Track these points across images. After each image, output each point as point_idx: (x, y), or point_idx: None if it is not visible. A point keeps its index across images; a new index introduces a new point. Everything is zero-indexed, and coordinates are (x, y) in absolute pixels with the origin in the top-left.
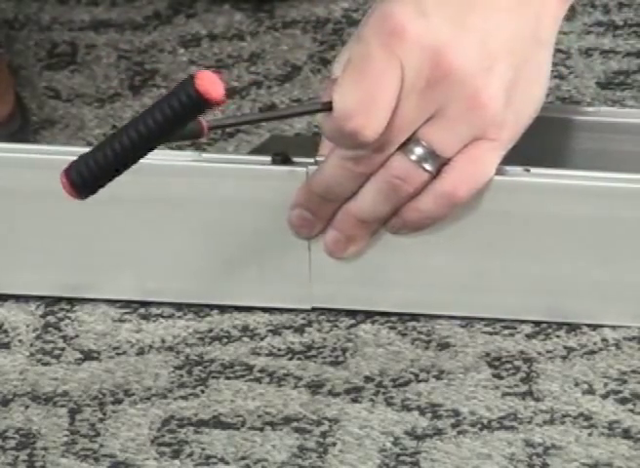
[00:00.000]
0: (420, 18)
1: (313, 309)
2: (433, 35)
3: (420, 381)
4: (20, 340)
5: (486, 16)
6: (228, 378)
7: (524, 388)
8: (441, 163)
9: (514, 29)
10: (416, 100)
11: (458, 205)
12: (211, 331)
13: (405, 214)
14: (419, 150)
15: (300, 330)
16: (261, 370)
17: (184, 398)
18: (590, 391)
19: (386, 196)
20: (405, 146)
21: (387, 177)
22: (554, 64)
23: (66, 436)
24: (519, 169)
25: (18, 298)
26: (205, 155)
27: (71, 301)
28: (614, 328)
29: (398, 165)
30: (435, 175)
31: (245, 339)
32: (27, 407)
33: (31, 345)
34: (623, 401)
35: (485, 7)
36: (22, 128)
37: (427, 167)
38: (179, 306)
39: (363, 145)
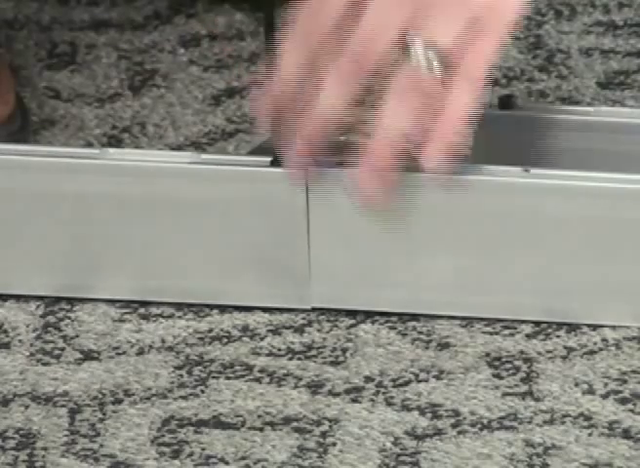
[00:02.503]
0: None
1: (313, 309)
2: None
3: (420, 381)
4: (20, 340)
5: None
6: (228, 378)
7: (524, 388)
8: (447, 58)
9: None
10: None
11: (481, 84)
12: (211, 331)
13: (441, 127)
14: (418, 49)
15: (299, 330)
16: (261, 370)
17: (184, 398)
18: (590, 391)
19: (406, 104)
20: (404, 54)
21: (399, 87)
22: (554, 64)
23: (66, 436)
24: (519, 169)
25: (18, 298)
26: (204, 156)
27: (71, 301)
28: (614, 328)
29: (404, 72)
30: (444, 71)
31: (245, 339)
32: (27, 407)
33: (31, 345)
34: (623, 401)
35: None
36: (22, 128)
37: (434, 68)
38: (179, 306)
39: (315, 45)
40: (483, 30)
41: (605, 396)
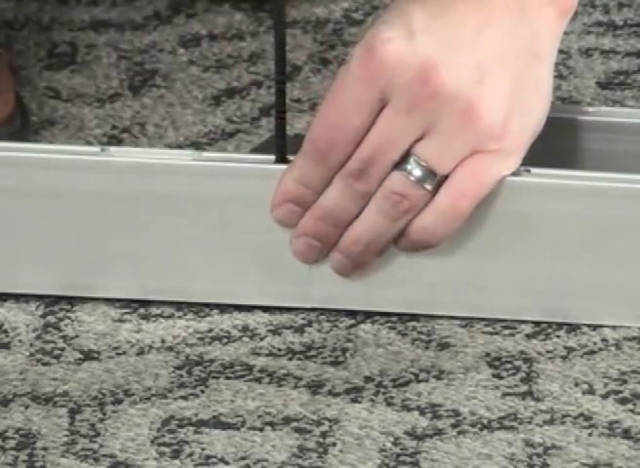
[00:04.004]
0: (405, 38)
1: (313, 309)
2: (419, 54)
3: (420, 381)
4: (20, 340)
5: (477, 32)
6: (228, 378)
7: (524, 388)
8: (439, 179)
9: (508, 44)
10: (405, 118)
11: (461, 219)
12: (211, 330)
13: (411, 233)
14: (415, 169)
15: (300, 330)
16: (261, 370)
17: (184, 398)
18: (590, 391)
19: (387, 214)
20: (402, 164)
21: (386, 194)
22: (554, 64)
23: (66, 436)
24: (520, 168)
25: (18, 298)
26: (205, 154)
27: (71, 301)
28: (614, 328)
29: (396, 181)
30: (434, 190)
31: (245, 339)
32: (27, 407)
33: (31, 345)
34: (623, 401)
35: (476, 24)
36: (22, 128)
37: (426, 185)
38: (179, 306)
39: (328, 166)
40: (486, 161)
41: (605, 396)
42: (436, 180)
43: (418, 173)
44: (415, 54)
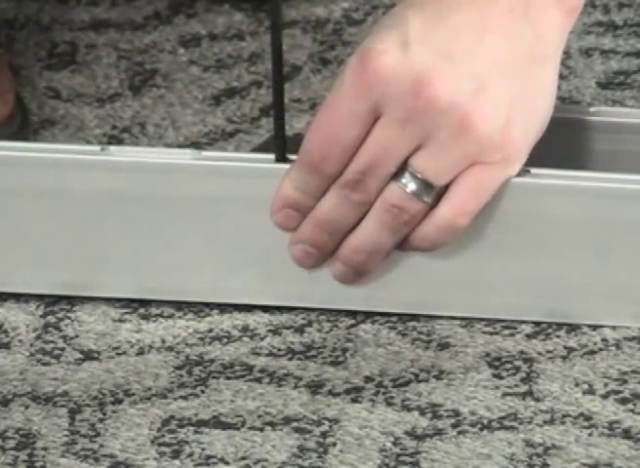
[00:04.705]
0: (399, 50)
1: (313, 309)
2: (413, 66)
3: (420, 381)
4: (20, 340)
5: (477, 39)
6: (228, 378)
7: (524, 388)
8: (437, 191)
9: (509, 49)
10: (398, 130)
11: (462, 230)
12: (211, 330)
13: (412, 241)
14: (412, 182)
15: (300, 330)
16: (261, 371)
17: (184, 398)
18: (590, 391)
19: (387, 225)
20: (398, 176)
21: (385, 207)
22: None
23: (66, 436)
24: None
25: (18, 298)
26: (205, 153)
27: (71, 301)
28: (614, 328)
29: (393, 194)
30: (434, 200)
31: (245, 339)
32: (27, 407)
33: (31, 345)
34: (624, 401)
35: (476, 30)
36: (22, 128)
37: (424, 198)
38: (179, 306)
39: (324, 176)
40: (488, 172)
41: (605, 396)
42: (434, 192)
43: (413, 186)
44: (409, 65)
